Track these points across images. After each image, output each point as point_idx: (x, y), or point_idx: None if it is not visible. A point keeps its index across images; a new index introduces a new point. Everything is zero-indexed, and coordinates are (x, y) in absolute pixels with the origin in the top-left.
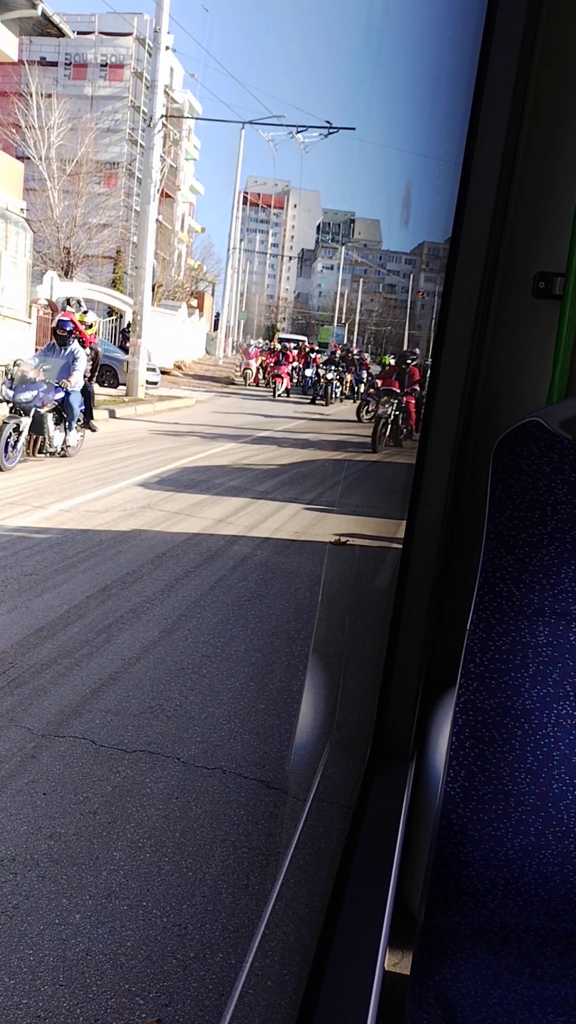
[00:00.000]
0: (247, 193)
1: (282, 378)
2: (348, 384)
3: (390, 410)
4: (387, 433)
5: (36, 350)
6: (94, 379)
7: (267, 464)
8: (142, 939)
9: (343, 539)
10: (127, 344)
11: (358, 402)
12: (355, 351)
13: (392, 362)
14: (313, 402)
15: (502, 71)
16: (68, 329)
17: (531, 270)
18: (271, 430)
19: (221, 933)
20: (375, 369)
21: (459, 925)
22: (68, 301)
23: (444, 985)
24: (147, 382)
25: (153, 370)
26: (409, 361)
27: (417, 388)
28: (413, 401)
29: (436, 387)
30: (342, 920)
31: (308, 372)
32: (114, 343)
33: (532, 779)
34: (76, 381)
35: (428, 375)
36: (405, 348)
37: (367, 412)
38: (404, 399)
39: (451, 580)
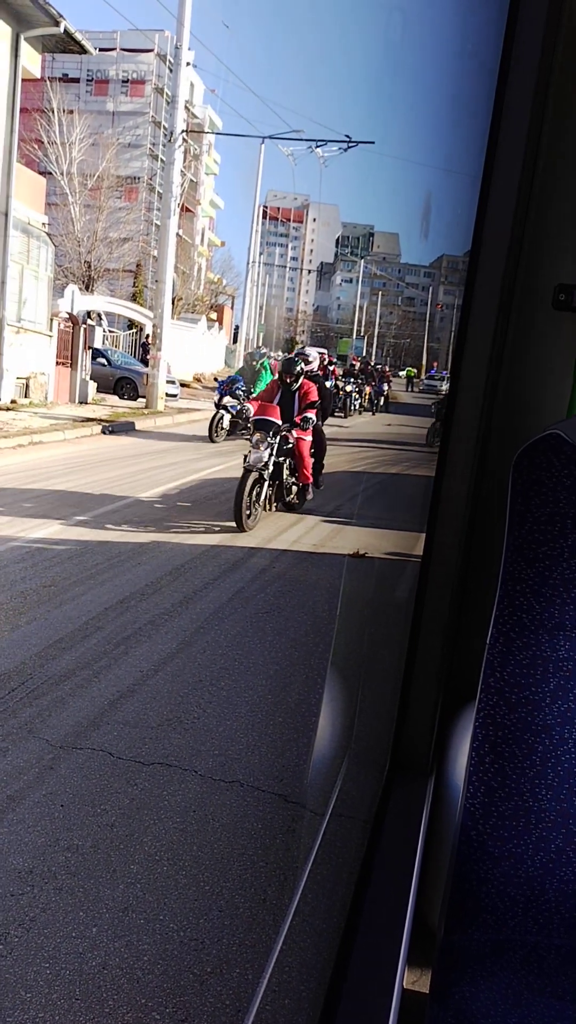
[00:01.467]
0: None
1: None
2: (367, 396)
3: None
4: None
5: (56, 363)
6: None
7: None
8: (159, 953)
9: (361, 552)
10: (147, 357)
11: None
12: (373, 363)
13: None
14: (332, 414)
15: (521, 83)
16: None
17: (551, 282)
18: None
19: (238, 948)
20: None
21: (479, 943)
22: (89, 314)
23: (464, 1004)
24: (166, 394)
25: (173, 382)
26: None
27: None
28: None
29: (455, 399)
30: (360, 936)
31: (327, 384)
32: (134, 356)
33: (553, 796)
34: None
35: (448, 388)
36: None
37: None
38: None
39: (470, 593)
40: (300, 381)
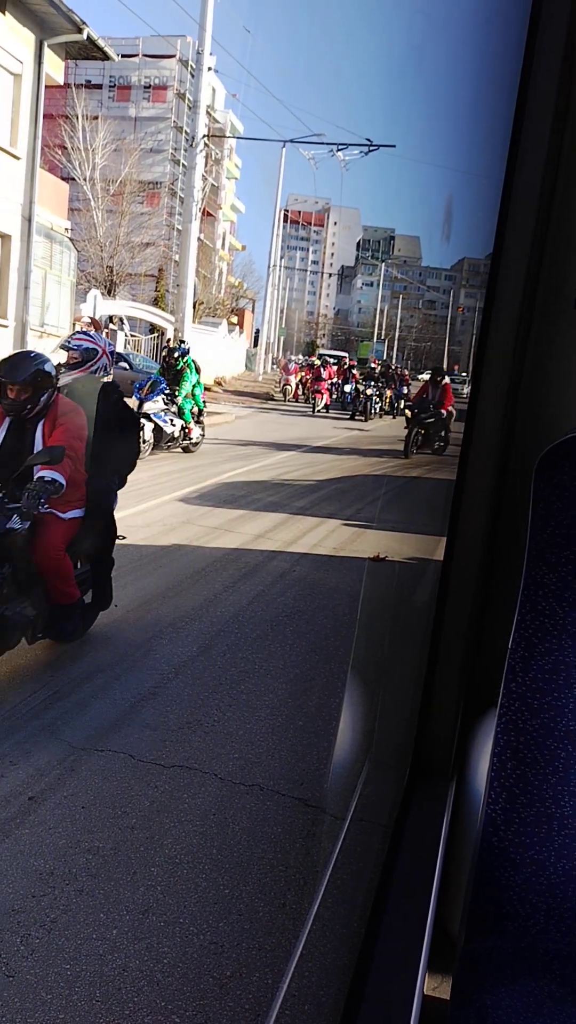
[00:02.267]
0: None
1: (321, 394)
2: (388, 400)
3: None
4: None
5: None
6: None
7: (305, 480)
8: (179, 956)
9: (382, 555)
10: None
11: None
12: (395, 367)
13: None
14: (352, 418)
15: (543, 86)
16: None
17: (574, 285)
18: (308, 445)
19: (258, 952)
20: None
21: (500, 950)
22: (111, 319)
23: (485, 1011)
24: None
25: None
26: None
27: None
28: None
29: (477, 403)
30: (381, 942)
31: (347, 388)
32: (156, 360)
33: (575, 802)
34: None
35: (469, 391)
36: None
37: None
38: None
39: (492, 598)
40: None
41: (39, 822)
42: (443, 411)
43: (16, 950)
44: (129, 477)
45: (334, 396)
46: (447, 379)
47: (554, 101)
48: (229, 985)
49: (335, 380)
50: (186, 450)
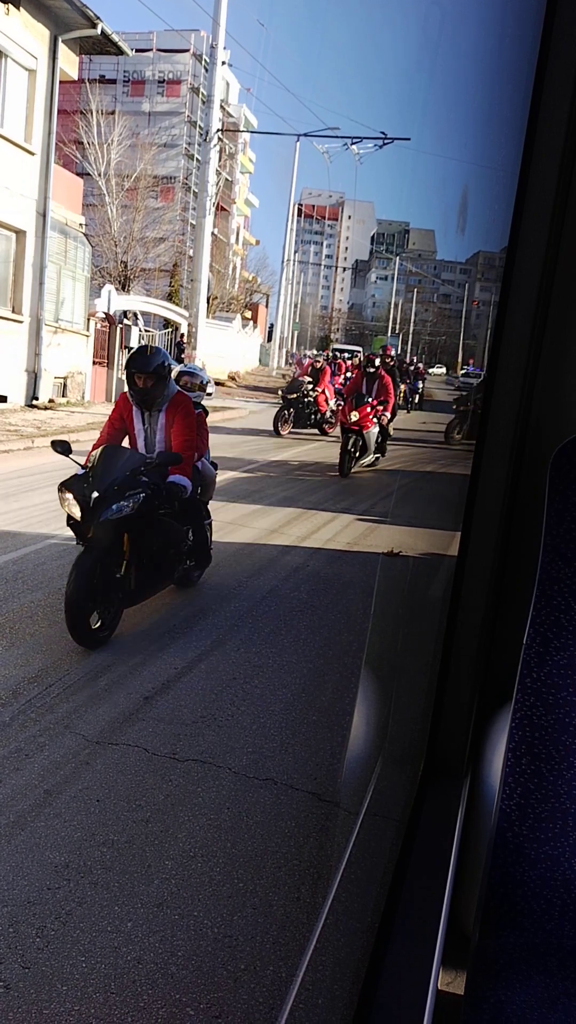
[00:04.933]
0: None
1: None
2: (402, 394)
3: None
4: None
5: (93, 363)
6: None
7: (317, 476)
8: (193, 949)
9: (396, 550)
10: (182, 356)
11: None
12: (408, 361)
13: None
14: None
15: (559, 78)
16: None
17: None
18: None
19: (272, 946)
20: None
21: (514, 946)
22: (125, 314)
23: (499, 1007)
24: None
25: (207, 381)
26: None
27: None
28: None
29: (491, 398)
30: (395, 937)
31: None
32: (170, 355)
33: None
34: None
35: (483, 385)
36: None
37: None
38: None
39: (506, 593)
40: None
41: (54, 815)
42: (362, 424)
43: (32, 942)
44: None
45: None
46: (392, 361)
47: (571, 93)
48: (243, 978)
49: (348, 375)
50: None
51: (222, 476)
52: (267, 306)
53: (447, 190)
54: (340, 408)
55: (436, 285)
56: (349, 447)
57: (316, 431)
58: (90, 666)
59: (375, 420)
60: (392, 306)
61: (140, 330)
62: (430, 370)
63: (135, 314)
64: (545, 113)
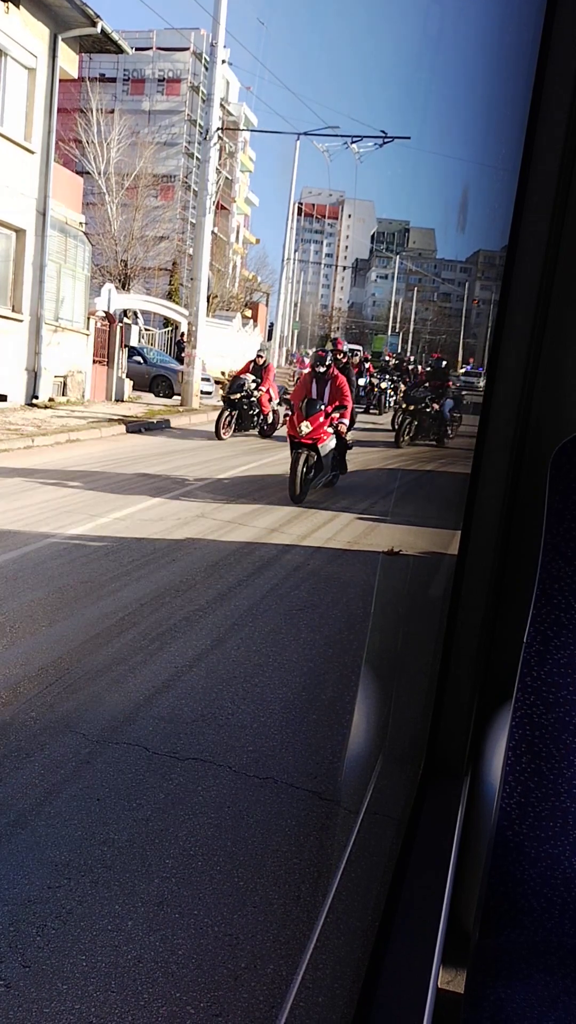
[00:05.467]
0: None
1: None
2: (401, 393)
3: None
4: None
5: (93, 361)
6: None
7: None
8: (193, 948)
9: (396, 549)
10: (182, 355)
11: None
12: (407, 359)
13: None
14: (367, 411)
15: (560, 76)
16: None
17: None
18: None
19: (272, 944)
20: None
21: (514, 945)
22: (125, 313)
23: (499, 1005)
24: (201, 392)
25: (207, 380)
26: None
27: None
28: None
29: (492, 396)
30: (395, 936)
31: (361, 381)
32: (169, 354)
33: None
34: None
35: (484, 384)
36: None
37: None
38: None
39: (507, 591)
40: None
41: (55, 814)
42: (315, 437)
43: (32, 941)
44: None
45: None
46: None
47: (571, 91)
48: (243, 977)
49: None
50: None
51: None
52: (267, 305)
53: (447, 188)
54: (288, 418)
55: (436, 284)
56: (301, 465)
57: (258, 434)
58: (90, 665)
59: (331, 430)
60: (392, 305)
61: (140, 329)
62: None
63: (135, 313)
64: (545, 111)
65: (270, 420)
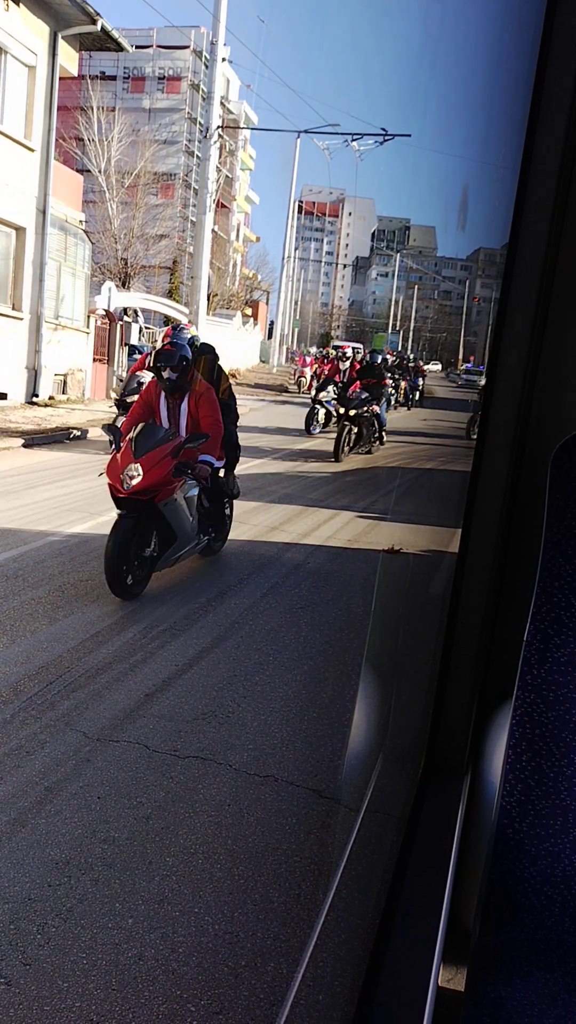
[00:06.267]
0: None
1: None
2: (403, 391)
3: None
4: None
5: (94, 359)
6: None
7: (319, 472)
8: (194, 945)
9: (396, 547)
10: None
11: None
12: (409, 357)
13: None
14: None
15: (560, 74)
16: None
17: None
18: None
19: (273, 942)
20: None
21: (514, 942)
22: (125, 311)
23: (499, 1003)
24: None
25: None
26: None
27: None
28: None
29: (492, 394)
30: (395, 933)
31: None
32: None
33: None
34: None
35: (484, 381)
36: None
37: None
38: None
39: (507, 590)
40: None
41: (55, 812)
42: (152, 485)
43: (33, 939)
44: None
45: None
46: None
47: (571, 89)
48: (244, 974)
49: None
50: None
51: None
52: (267, 303)
53: (448, 186)
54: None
55: (437, 282)
56: (117, 544)
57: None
58: (91, 663)
59: (190, 475)
60: (392, 303)
61: (140, 327)
62: (427, 366)
63: (135, 311)
64: (546, 109)
65: None
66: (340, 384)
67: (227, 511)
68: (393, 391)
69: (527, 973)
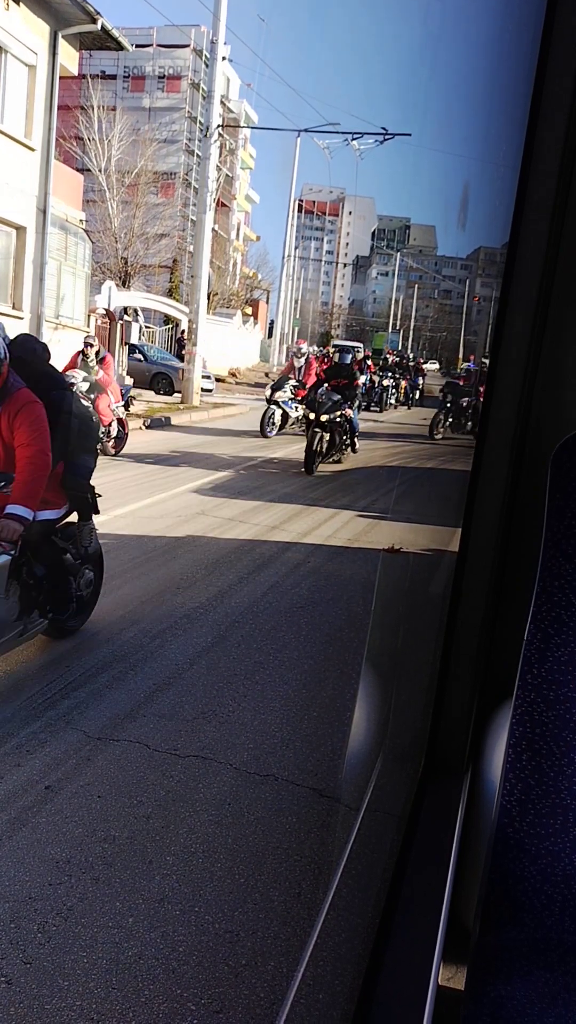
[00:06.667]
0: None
1: None
2: (403, 391)
3: None
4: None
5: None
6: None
7: (319, 472)
8: (194, 944)
9: (396, 546)
10: (183, 352)
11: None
12: (409, 356)
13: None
14: (367, 409)
15: (561, 73)
16: None
17: None
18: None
19: (273, 941)
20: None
21: (515, 941)
22: (125, 310)
23: (499, 1002)
24: (202, 389)
25: (208, 377)
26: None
27: None
28: None
29: (492, 393)
30: (395, 932)
31: (362, 379)
32: (170, 351)
33: None
34: None
35: (484, 380)
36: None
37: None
38: None
39: (507, 589)
40: None
41: (55, 811)
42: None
43: (33, 938)
44: (142, 469)
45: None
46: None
47: (571, 89)
48: (244, 973)
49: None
50: None
51: None
52: (268, 302)
53: (448, 185)
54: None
55: (437, 281)
56: None
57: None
58: (91, 662)
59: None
60: (393, 302)
61: (140, 326)
62: (424, 365)
63: (135, 310)
64: (546, 108)
65: (113, 433)
66: (297, 382)
67: (86, 574)
68: (393, 390)
69: (527, 972)
